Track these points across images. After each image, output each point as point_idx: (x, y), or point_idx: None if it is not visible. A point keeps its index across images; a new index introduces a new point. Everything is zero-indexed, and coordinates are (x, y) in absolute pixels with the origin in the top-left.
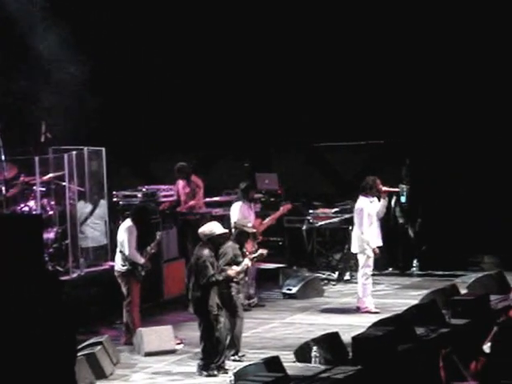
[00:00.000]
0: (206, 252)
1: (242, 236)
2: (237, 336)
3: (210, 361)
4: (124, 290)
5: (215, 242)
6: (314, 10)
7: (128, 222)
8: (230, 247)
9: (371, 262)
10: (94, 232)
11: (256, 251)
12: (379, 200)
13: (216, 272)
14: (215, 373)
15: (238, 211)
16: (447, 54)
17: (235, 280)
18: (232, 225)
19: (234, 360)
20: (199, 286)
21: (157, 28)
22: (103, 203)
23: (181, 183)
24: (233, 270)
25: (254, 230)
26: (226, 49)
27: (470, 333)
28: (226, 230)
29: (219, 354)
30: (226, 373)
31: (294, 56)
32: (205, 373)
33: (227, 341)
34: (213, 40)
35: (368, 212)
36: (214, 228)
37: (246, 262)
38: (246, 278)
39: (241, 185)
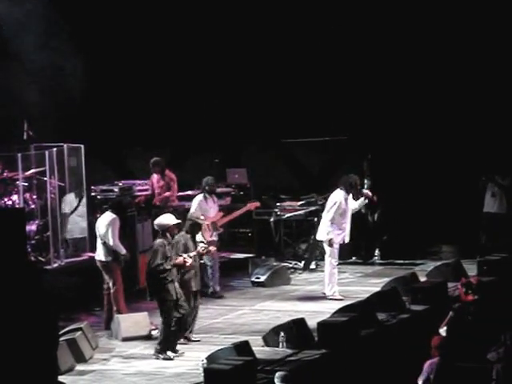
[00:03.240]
0: (159, 241)
1: (194, 227)
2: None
3: (167, 345)
4: (109, 279)
5: (169, 232)
6: (282, 11)
7: (110, 215)
8: (182, 237)
9: (336, 251)
10: (81, 222)
11: (211, 243)
12: (354, 198)
13: (164, 261)
14: (171, 356)
15: (197, 204)
16: (408, 53)
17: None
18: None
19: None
20: (150, 273)
21: (131, 21)
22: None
23: (155, 177)
24: (180, 259)
25: (207, 222)
26: (199, 47)
27: (429, 318)
28: (179, 221)
29: (175, 338)
30: (175, 353)
31: (263, 55)
32: (161, 356)
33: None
34: (186, 37)
35: (340, 207)
36: (167, 220)
37: (193, 253)
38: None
39: (203, 179)
